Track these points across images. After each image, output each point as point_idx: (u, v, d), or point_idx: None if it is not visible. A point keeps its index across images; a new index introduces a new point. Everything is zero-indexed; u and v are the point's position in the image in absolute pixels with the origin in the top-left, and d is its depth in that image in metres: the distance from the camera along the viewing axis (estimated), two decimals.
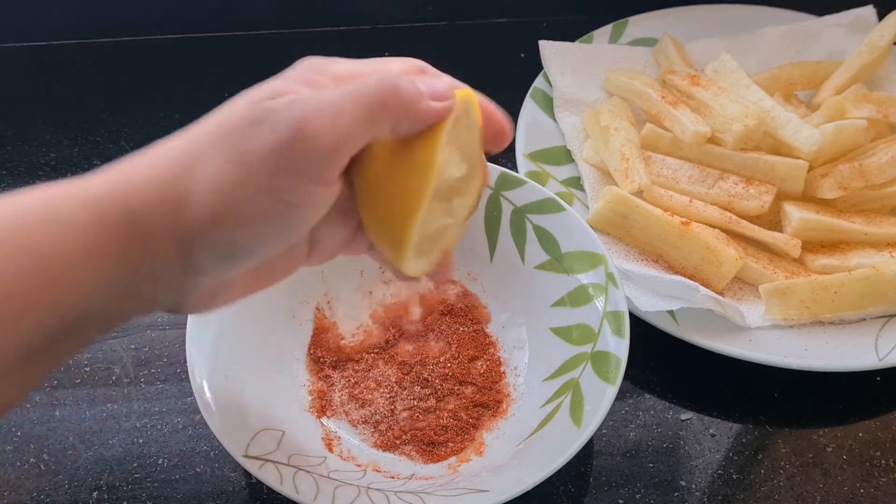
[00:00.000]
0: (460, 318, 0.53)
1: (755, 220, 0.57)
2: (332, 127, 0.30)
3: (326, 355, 0.51)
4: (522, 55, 0.73)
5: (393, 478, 0.45)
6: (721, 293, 0.54)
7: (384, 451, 0.47)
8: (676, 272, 0.55)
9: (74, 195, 0.30)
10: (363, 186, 0.34)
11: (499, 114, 0.36)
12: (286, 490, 0.41)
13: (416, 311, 0.54)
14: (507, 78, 0.66)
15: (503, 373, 0.51)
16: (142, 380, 0.52)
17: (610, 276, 0.49)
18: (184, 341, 0.45)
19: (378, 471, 0.46)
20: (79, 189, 0.30)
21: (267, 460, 0.42)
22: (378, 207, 0.35)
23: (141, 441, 0.49)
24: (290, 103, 0.30)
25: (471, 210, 0.38)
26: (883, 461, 0.50)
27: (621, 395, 0.51)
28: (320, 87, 0.32)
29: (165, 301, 0.33)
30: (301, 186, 0.31)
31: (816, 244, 0.57)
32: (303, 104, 0.30)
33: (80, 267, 0.29)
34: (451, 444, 0.48)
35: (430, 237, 0.36)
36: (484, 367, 0.51)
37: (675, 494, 0.48)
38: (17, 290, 0.28)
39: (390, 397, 0.50)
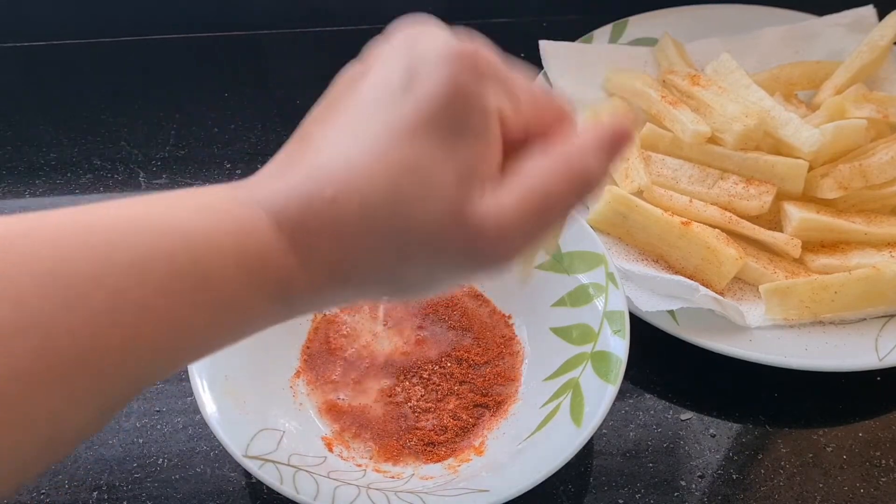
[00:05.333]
0: (462, 318, 0.53)
1: (755, 220, 0.57)
2: (514, 260, 0.29)
3: (326, 355, 0.51)
4: (522, 55, 0.73)
5: (393, 477, 0.45)
6: (721, 293, 0.54)
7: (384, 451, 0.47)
8: (676, 272, 0.55)
9: (237, 250, 0.27)
10: None
11: None
12: (286, 490, 0.41)
13: (416, 311, 0.54)
14: None
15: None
16: None
17: (610, 276, 0.49)
18: None
19: (378, 471, 0.46)
20: (238, 238, 0.27)
21: (267, 460, 0.42)
22: None
23: (141, 441, 0.49)
24: (487, 241, 0.27)
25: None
26: (883, 461, 0.50)
27: (621, 395, 0.51)
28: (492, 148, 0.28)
29: None
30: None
31: (816, 244, 0.57)
32: (501, 250, 0.27)
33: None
34: (451, 444, 0.47)
35: None
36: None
37: (675, 494, 0.48)
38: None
39: (390, 397, 0.49)
